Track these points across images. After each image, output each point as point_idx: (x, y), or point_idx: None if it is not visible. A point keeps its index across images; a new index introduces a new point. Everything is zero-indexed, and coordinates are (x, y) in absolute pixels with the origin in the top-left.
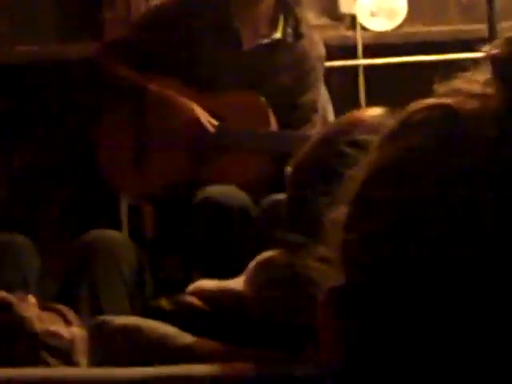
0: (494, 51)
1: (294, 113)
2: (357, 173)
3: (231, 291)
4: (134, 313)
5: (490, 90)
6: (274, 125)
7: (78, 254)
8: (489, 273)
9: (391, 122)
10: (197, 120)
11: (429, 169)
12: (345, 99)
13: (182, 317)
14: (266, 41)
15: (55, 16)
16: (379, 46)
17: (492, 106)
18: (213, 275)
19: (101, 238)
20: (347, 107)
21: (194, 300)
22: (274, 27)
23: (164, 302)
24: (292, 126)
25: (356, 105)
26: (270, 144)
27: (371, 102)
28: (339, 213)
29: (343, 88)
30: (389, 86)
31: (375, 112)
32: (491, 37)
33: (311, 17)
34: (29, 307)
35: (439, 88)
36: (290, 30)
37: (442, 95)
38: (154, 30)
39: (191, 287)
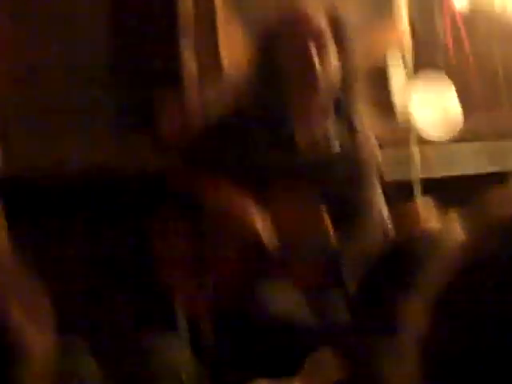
0: None
1: (350, 209)
2: (436, 274)
3: None
4: None
5: None
6: (329, 228)
7: (135, 358)
8: None
9: (470, 225)
10: (259, 242)
11: None
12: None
13: None
14: (319, 140)
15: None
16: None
17: None
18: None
19: (158, 343)
20: None
21: None
22: (327, 120)
23: None
24: (347, 223)
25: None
26: (327, 254)
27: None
28: (416, 313)
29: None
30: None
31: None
32: None
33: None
34: None
35: None
36: (343, 125)
37: None
38: (213, 137)
39: None
